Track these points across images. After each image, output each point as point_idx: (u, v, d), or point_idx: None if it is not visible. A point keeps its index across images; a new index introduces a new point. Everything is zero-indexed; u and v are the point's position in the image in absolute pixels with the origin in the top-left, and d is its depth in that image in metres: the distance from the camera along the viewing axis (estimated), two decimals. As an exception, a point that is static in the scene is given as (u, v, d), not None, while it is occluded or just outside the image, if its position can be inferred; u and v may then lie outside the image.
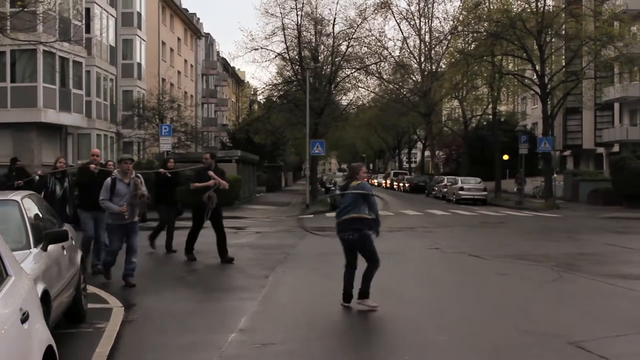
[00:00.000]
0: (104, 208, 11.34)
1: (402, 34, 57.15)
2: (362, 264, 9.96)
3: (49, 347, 4.71)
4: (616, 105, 53.62)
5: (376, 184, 76.45)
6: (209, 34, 78.56)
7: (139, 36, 47.24)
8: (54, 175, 13.34)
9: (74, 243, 8.89)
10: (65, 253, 8.03)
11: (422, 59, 55.18)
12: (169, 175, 15.85)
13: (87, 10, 37.95)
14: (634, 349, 7.84)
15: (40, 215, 8.15)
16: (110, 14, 42.89)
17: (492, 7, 42.64)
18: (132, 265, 11.41)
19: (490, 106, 51.65)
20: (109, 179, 11.28)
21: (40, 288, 6.25)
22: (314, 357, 7.56)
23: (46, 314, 6.02)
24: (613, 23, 41.08)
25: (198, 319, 9.31)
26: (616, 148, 51.87)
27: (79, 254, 9.11)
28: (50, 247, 7.37)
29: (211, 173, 14.25)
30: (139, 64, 47.77)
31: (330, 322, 9.36)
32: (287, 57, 48.33)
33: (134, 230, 11.47)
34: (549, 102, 41.12)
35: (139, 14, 47.74)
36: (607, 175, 42.79)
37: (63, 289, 7.60)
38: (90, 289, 10.22)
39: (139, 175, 11.62)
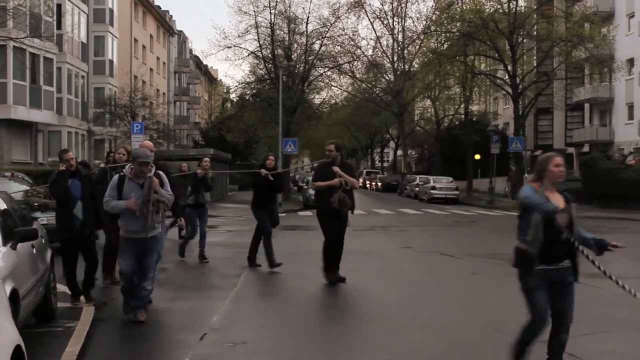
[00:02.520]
0: (108, 210, 8.91)
1: (375, 34, 57.33)
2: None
3: (17, 347, 4.65)
4: (586, 106, 54.15)
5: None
6: (181, 31, 78.20)
7: (111, 33, 46.89)
8: (115, 169, 11.77)
9: (44, 241, 8.79)
10: (34, 252, 7.93)
11: (395, 59, 55.36)
12: (271, 177, 13.42)
13: (59, 6, 37.63)
14: (603, 347, 7.91)
15: (10, 213, 8.05)
16: (82, 10, 42.54)
17: (464, 8, 42.84)
18: (145, 293, 8.84)
19: (462, 106, 51.95)
20: (115, 176, 8.98)
21: (8, 287, 6.17)
22: (286, 356, 7.54)
23: (15, 313, 5.95)
24: (584, 24, 41.49)
25: (169, 318, 9.26)
26: (586, 148, 52.38)
27: (49, 253, 9.01)
28: (20, 245, 7.27)
29: (336, 169, 11.44)
30: (111, 61, 47.44)
31: (302, 320, 9.34)
32: (260, 56, 48.27)
33: (149, 248, 8.78)
34: (520, 102, 41.45)
35: (111, 11, 47.39)
36: (578, 175, 43.16)
37: (32, 287, 7.50)
38: (60, 287, 10.11)
39: (161, 173, 8.92)
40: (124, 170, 8.85)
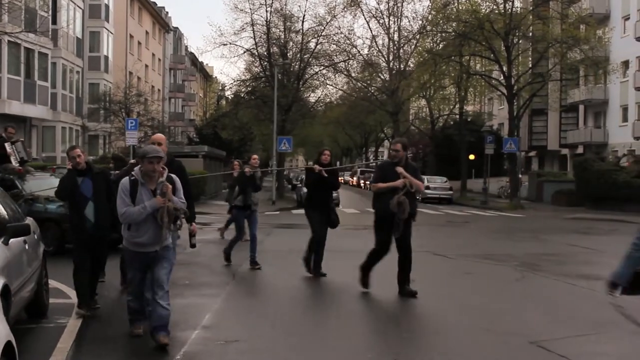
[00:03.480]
0: (129, 221, 7.38)
1: (371, 33, 57.23)
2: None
3: (8, 343, 4.65)
4: (581, 108, 54.27)
5: (343, 181, 76.54)
6: (177, 28, 78.11)
7: (106, 28, 46.82)
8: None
9: (36, 237, 8.77)
10: (27, 247, 7.92)
11: (391, 58, 55.31)
12: (325, 174, 12.19)
13: (54, 1, 37.53)
14: (593, 348, 7.94)
15: (2, 208, 8.04)
16: (78, 6, 42.45)
17: (460, 8, 42.86)
18: (164, 312, 7.40)
19: (457, 106, 52.01)
20: (126, 180, 7.41)
21: (0, 282, 6.17)
22: (278, 355, 7.54)
23: (6, 310, 5.95)
24: (579, 26, 41.60)
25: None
26: (580, 150, 52.51)
27: (42, 249, 8.99)
28: (12, 241, 7.26)
29: (401, 170, 10.32)
30: (106, 57, 47.36)
31: (294, 319, 9.35)
32: (256, 53, 48.24)
33: (161, 258, 7.44)
34: (515, 103, 41.51)
35: (107, 6, 47.32)
36: (571, 177, 43.27)
37: (24, 283, 7.50)
38: (52, 283, 10.10)
39: (173, 177, 7.65)
40: (133, 172, 7.44)
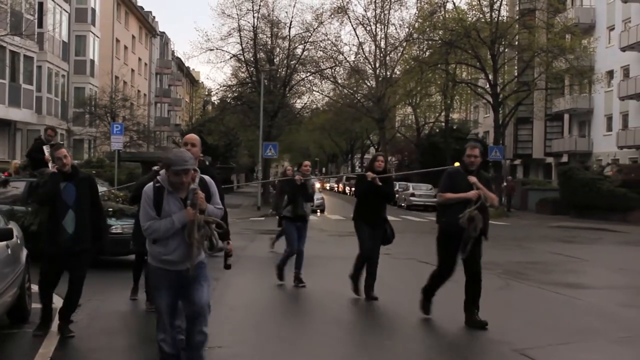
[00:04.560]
0: (154, 238, 5.97)
1: (358, 39, 57.50)
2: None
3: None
4: (566, 116, 54.56)
5: (328, 188, 76.57)
6: (164, 32, 78.03)
7: (92, 32, 46.68)
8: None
9: (19, 242, 8.70)
10: (9, 251, 7.86)
11: (377, 65, 55.47)
12: (379, 182, 10.69)
13: (40, 4, 37.42)
14: (577, 356, 7.96)
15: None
16: (64, 9, 42.31)
17: (447, 16, 43.10)
18: (201, 338, 6.14)
19: (443, 113, 52.25)
20: (149, 188, 6.00)
21: (-18, 287, 6.13)
22: (261, 361, 7.52)
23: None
24: (565, 36, 41.89)
25: (144, 321, 9.20)
26: (565, 158, 52.77)
27: (24, 253, 8.93)
28: (-6, 245, 7.19)
29: (474, 180, 8.92)
30: (92, 61, 47.21)
31: (278, 325, 9.33)
32: (243, 59, 48.27)
33: (195, 277, 6.01)
34: (500, 112, 41.71)
35: (93, 10, 47.19)
36: (556, 185, 43.49)
37: (6, 288, 7.43)
38: (35, 288, 10.03)
39: (207, 180, 6.22)
40: (158, 177, 6.03)
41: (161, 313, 6.19)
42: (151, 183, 6.01)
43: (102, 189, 13.78)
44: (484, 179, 9.15)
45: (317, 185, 41.42)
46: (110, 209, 13.34)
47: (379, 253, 11.07)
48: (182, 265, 5.97)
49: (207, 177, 6.20)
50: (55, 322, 8.28)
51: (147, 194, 5.95)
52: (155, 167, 8.39)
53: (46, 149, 14.49)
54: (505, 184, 41.91)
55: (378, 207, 10.90)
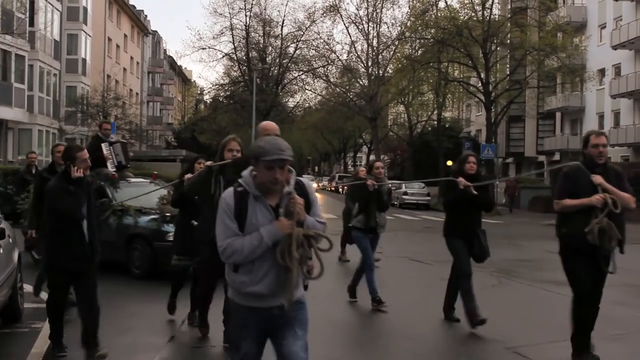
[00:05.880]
0: (228, 260, 4.33)
1: (350, 38, 57.59)
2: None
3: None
4: (558, 115, 54.69)
5: (321, 186, 76.58)
6: (156, 31, 77.93)
7: (84, 31, 46.56)
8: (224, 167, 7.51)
9: (11, 241, 8.68)
10: (1, 251, 7.84)
11: (369, 64, 55.53)
12: (475, 191, 8.67)
13: (32, 3, 37.30)
14: (568, 354, 7.97)
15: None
16: (56, 8, 42.19)
17: (439, 15, 43.18)
18: None
19: (435, 112, 52.31)
20: (229, 193, 4.41)
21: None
22: None
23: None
24: (556, 34, 41.98)
25: (138, 321, 9.18)
26: (557, 156, 52.89)
27: (16, 253, 8.90)
28: (-14, 245, 7.16)
29: (600, 180, 6.87)
30: (84, 60, 47.09)
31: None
32: (235, 58, 48.33)
33: (291, 321, 4.44)
34: (492, 110, 41.80)
35: (85, 9, 47.06)
36: (548, 183, 43.56)
37: (-1, 287, 7.43)
38: (27, 288, 10.01)
39: (304, 183, 4.59)
40: (240, 180, 4.40)
41: None
42: (231, 188, 4.43)
43: (162, 192, 12.64)
44: (613, 174, 7.03)
45: (314, 185, 41.42)
46: (168, 214, 11.92)
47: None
48: (274, 300, 4.33)
49: (304, 179, 4.61)
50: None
51: (226, 201, 4.36)
52: (208, 163, 7.68)
53: (105, 147, 13.48)
54: (497, 182, 41.98)
55: (472, 218, 8.96)
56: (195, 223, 8.10)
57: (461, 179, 8.69)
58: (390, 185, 11.24)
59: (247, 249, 4.23)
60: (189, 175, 8.43)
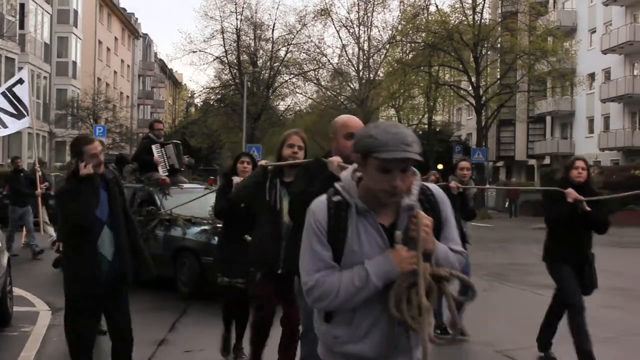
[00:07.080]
0: (316, 304, 2.90)
1: (341, 42, 57.72)
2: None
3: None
4: (548, 119, 54.86)
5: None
6: (147, 34, 77.81)
7: (74, 34, 46.46)
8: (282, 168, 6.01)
9: (1, 245, 8.64)
10: (-10, 255, 7.80)
11: (360, 67, 55.54)
12: (587, 207, 6.82)
13: (22, 5, 37.20)
14: (559, 358, 7.98)
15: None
16: (46, 11, 42.10)
17: (430, 19, 43.25)
18: None
19: (426, 116, 52.33)
20: (321, 205, 2.87)
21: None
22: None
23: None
24: (547, 38, 42.14)
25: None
26: (547, 160, 53.03)
27: (6, 256, 8.86)
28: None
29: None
30: (74, 63, 46.99)
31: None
32: (226, 61, 48.26)
33: None
34: (483, 114, 41.88)
35: (76, 12, 46.99)
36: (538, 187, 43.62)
37: (-13, 291, 7.38)
38: (17, 291, 9.96)
39: (433, 189, 3.10)
40: (337, 185, 2.95)
41: None
42: (324, 196, 2.96)
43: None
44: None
45: None
46: (219, 225, 9.03)
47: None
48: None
49: (433, 187, 3.17)
50: (40, 324, 8.19)
51: (316, 216, 2.90)
52: (262, 162, 6.21)
53: (155, 149, 12.35)
54: (487, 185, 42.02)
55: (583, 240, 7.18)
56: (249, 238, 6.39)
57: (570, 190, 6.88)
58: (476, 189, 9.60)
59: (344, 290, 2.81)
60: (237, 179, 7.03)
